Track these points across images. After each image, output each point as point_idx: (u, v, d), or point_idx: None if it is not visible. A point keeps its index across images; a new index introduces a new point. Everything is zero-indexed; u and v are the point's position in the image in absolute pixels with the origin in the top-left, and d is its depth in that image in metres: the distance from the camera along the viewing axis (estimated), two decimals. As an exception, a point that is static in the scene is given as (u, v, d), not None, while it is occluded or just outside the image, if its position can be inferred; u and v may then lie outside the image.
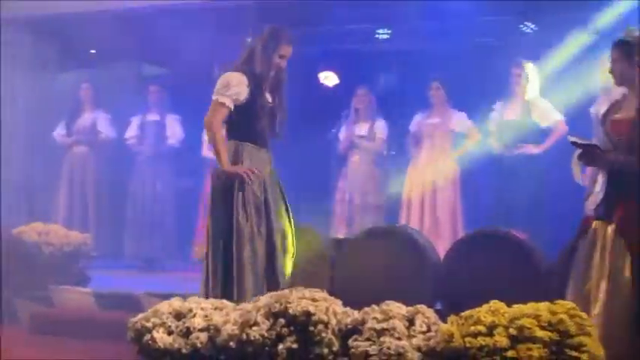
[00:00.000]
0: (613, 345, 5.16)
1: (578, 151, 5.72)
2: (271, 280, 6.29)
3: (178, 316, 5.39)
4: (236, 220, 6.34)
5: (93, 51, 12.36)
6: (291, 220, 6.71)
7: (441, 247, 8.08)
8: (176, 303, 5.49)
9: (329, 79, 11.70)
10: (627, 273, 5.43)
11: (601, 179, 5.67)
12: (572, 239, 5.94)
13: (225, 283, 6.22)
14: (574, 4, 9.48)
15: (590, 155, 5.65)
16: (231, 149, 6.51)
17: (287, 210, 6.70)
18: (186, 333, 5.27)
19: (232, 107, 6.44)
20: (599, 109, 6.20)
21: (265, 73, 6.51)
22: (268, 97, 6.62)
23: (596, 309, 5.42)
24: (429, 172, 9.90)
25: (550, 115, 9.40)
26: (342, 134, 10.68)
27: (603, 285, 5.48)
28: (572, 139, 5.75)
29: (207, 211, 6.62)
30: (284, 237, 6.56)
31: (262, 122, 6.54)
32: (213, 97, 6.49)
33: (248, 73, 6.50)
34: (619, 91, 6.01)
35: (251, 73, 6.50)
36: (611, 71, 5.89)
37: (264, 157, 6.58)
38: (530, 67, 9.56)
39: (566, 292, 5.64)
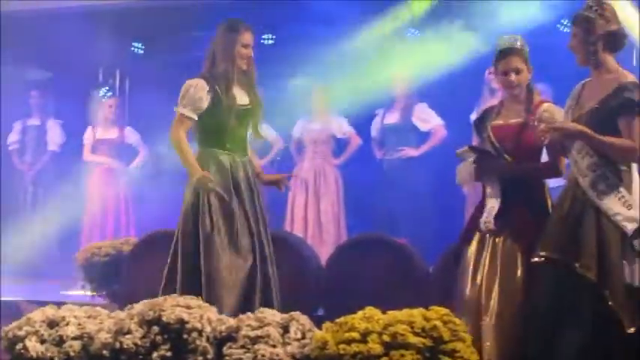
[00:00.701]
0: (506, 349, 5.23)
1: (470, 158, 5.72)
2: (265, 292, 6.12)
3: (51, 324, 5.26)
4: (202, 229, 6.15)
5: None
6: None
7: (325, 253, 8.09)
8: (49, 311, 5.36)
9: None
10: (519, 279, 5.45)
11: (491, 190, 5.66)
12: (455, 245, 5.96)
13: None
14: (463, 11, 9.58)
15: (485, 163, 5.65)
16: (200, 158, 6.28)
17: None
18: (60, 342, 5.14)
19: (194, 116, 6.22)
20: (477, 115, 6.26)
21: (230, 71, 6.25)
22: (240, 96, 6.34)
23: (489, 315, 5.44)
24: (311, 177, 9.91)
25: (430, 118, 9.49)
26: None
27: (495, 291, 5.49)
28: (464, 149, 5.76)
29: (179, 224, 6.36)
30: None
31: (232, 125, 6.27)
32: (175, 109, 6.29)
33: (209, 76, 6.26)
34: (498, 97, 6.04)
35: (212, 76, 6.26)
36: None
37: (237, 161, 6.31)
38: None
39: (451, 297, 5.64)
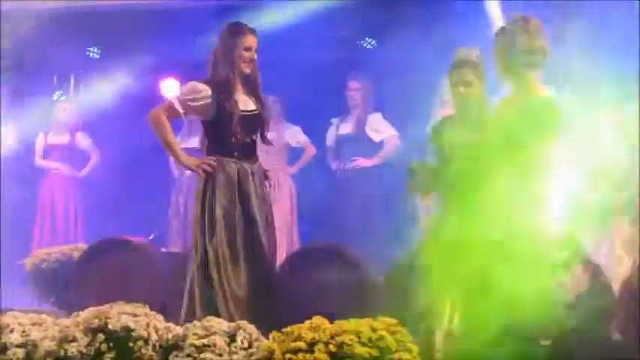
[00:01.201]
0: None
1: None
2: (269, 306, 6.04)
3: (-5, 331, 5.21)
4: (209, 242, 6.11)
5: None
6: None
7: (278, 261, 8.06)
8: (-7, 318, 5.31)
9: (169, 89, 11.58)
10: None
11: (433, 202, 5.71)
12: (406, 254, 5.97)
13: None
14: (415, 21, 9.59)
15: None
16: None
17: None
18: (3, 349, 5.09)
19: (181, 111, 6.19)
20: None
21: (231, 75, 6.18)
22: (245, 102, 6.27)
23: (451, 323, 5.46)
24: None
25: (383, 129, 9.49)
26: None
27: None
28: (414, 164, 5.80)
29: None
30: None
31: (236, 131, 6.16)
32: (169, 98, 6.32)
33: (212, 82, 6.19)
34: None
35: (215, 82, 6.19)
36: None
37: (244, 168, 6.22)
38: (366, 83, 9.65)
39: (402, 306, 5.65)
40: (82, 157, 11.14)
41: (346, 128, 9.73)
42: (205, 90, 6.18)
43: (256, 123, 6.31)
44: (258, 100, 6.33)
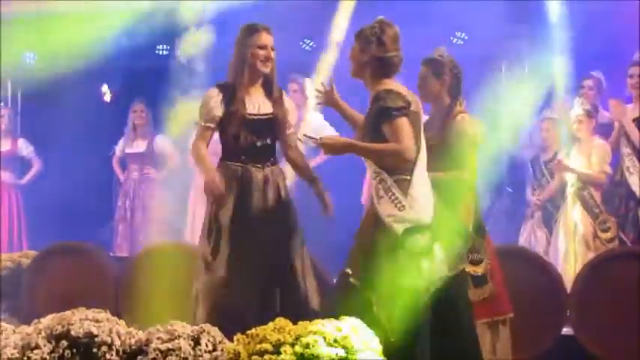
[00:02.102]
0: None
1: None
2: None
3: (-47, 340, 5.14)
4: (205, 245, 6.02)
5: None
6: None
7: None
8: (-50, 327, 5.24)
9: (107, 94, 11.53)
10: None
11: None
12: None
13: None
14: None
15: None
16: (219, 171, 6.02)
17: None
18: (-37, 359, 5.03)
19: (212, 125, 5.96)
20: None
21: (240, 77, 5.94)
22: (258, 104, 6.01)
23: None
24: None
25: (322, 130, 9.48)
26: (118, 151, 10.57)
27: None
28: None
29: None
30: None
31: (241, 134, 5.94)
32: (197, 123, 6.07)
33: (222, 84, 6.00)
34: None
35: (226, 84, 5.99)
36: (419, 88, 5.94)
37: (249, 172, 5.99)
38: (307, 83, 9.66)
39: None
40: (24, 165, 11.03)
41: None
42: (215, 93, 6.01)
43: (270, 126, 6.06)
44: (276, 102, 6.10)
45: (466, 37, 10.52)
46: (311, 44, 11.24)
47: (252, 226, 5.96)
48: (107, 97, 11.50)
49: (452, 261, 5.24)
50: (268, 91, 6.07)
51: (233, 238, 5.96)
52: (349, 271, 5.30)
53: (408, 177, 5.24)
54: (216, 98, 5.98)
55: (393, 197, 5.21)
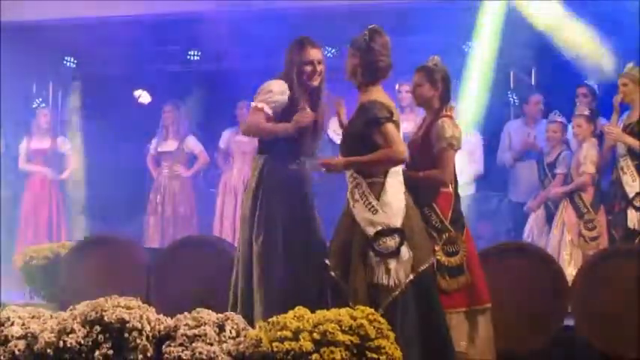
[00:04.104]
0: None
1: None
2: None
3: (-4, 324, 5.17)
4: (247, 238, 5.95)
5: None
6: None
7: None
8: (-7, 312, 5.26)
9: (143, 97, 11.55)
10: None
11: None
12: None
13: None
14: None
15: None
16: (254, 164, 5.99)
17: None
18: (5, 341, 5.04)
19: (270, 113, 5.80)
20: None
21: (296, 89, 5.81)
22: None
23: None
24: (240, 186, 9.87)
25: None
26: (152, 150, 10.62)
27: None
28: None
29: None
30: None
31: (294, 138, 5.82)
32: (252, 104, 5.87)
33: (289, 82, 5.83)
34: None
35: (290, 83, 5.84)
36: (414, 92, 6.07)
37: (301, 172, 5.94)
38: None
39: None
40: (64, 161, 11.09)
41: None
42: (285, 87, 5.86)
43: (310, 133, 5.94)
44: (319, 112, 5.96)
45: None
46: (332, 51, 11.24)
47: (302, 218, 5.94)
48: (143, 100, 11.53)
49: (421, 258, 5.36)
50: (314, 102, 5.94)
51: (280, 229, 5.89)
52: (328, 262, 5.46)
53: (382, 179, 5.37)
54: (283, 89, 5.86)
55: (366, 202, 5.35)
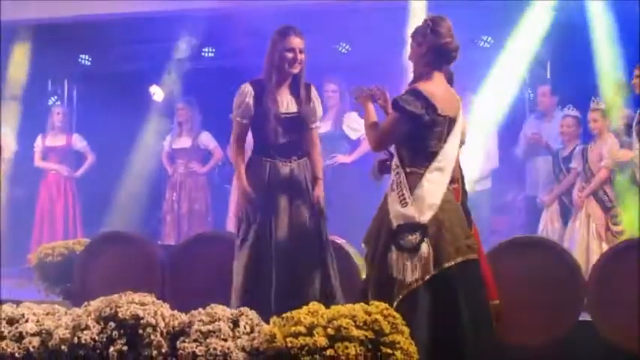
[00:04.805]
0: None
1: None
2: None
3: (11, 321, 5.16)
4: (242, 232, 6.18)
5: None
6: None
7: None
8: (8, 309, 5.26)
9: (157, 94, 11.56)
10: None
11: None
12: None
13: None
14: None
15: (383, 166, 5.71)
16: (248, 164, 6.16)
17: None
18: (19, 338, 5.05)
19: (245, 121, 6.05)
20: None
21: (269, 76, 6.01)
22: (287, 103, 6.08)
23: None
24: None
25: (359, 127, 9.46)
26: (167, 146, 10.63)
27: None
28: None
29: None
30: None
31: (275, 131, 6.02)
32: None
33: (256, 83, 6.04)
34: None
35: (259, 82, 6.04)
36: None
37: (276, 167, 6.08)
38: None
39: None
40: (79, 158, 11.12)
41: (324, 127, 9.70)
42: (248, 90, 6.08)
43: (295, 124, 6.12)
44: (301, 101, 6.14)
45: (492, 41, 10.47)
46: (347, 47, 11.26)
47: (279, 216, 6.06)
48: (157, 97, 11.54)
49: (448, 255, 5.22)
50: (296, 91, 6.12)
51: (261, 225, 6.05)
52: (364, 246, 5.51)
53: (422, 171, 5.26)
54: (249, 94, 6.05)
55: (400, 193, 5.25)
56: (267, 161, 6.10)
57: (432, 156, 5.27)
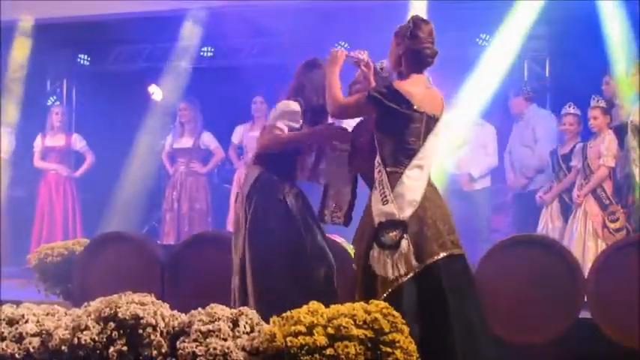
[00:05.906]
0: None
1: None
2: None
3: (11, 322, 5.17)
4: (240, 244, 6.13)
5: None
6: None
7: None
8: (8, 309, 5.26)
9: (156, 93, 11.57)
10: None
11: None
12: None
13: None
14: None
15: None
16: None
17: None
18: (19, 338, 5.05)
19: (295, 125, 5.94)
20: None
21: (305, 105, 5.94)
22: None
23: None
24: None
25: None
26: (168, 146, 10.64)
27: None
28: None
29: None
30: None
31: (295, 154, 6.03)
32: (271, 122, 5.99)
33: (298, 98, 5.97)
34: None
35: (299, 100, 5.97)
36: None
37: (277, 188, 5.99)
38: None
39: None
40: (78, 158, 11.12)
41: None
42: (298, 109, 5.98)
43: (312, 153, 6.13)
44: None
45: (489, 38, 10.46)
46: (346, 46, 11.22)
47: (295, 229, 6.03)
48: (156, 97, 11.55)
49: (430, 251, 5.22)
50: (320, 120, 6.02)
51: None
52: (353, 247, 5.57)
53: (402, 170, 5.28)
54: (299, 113, 5.97)
55: (381, 191, 5.27)
56: (279, 179, 6.03)
57: (412, 154, 5.28)
